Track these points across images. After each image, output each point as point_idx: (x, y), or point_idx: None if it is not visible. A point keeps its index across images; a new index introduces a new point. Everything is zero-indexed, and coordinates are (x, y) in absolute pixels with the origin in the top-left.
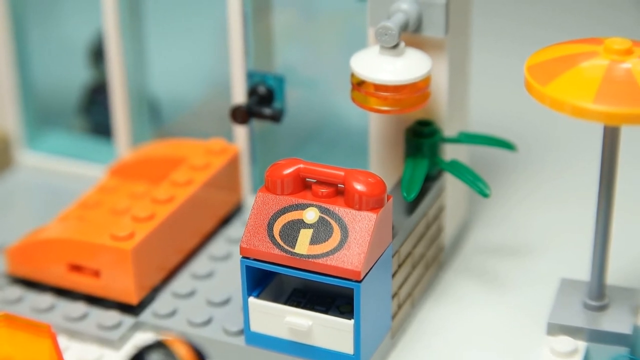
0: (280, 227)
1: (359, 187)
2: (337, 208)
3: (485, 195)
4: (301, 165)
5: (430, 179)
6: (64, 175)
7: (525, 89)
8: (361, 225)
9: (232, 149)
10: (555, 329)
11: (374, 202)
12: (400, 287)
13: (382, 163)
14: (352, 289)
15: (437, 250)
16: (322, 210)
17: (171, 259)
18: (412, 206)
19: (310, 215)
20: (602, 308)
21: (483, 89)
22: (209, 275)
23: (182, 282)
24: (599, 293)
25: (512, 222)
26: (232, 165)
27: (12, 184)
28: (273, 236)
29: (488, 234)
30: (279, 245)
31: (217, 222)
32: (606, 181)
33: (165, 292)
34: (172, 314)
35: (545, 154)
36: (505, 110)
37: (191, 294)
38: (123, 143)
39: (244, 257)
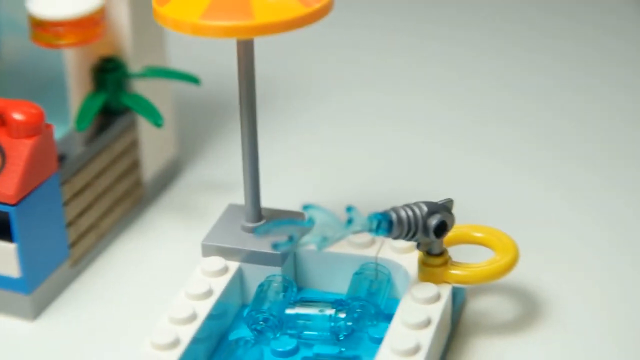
0: None
1: (16, 116)
2: None
3: (158, 125)
4: None
5: (117, 114)
6: None
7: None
8: (17, 152)
9: None
10: (210, 250)
11: (30, 130)
12: (78, 216)
13: (80, 101)
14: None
15: (133, 184)
16: None
17: None
18: (90, 139)
19: None
20: None
21: None
22: None
23: None
24: (255, 216)
25: (223, 159)
26: None
27: None
28: None
29: (199, 171)
30: None
31: None
32: (246, 100)
33: None
34: None
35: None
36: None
37: None
38: None
39: None
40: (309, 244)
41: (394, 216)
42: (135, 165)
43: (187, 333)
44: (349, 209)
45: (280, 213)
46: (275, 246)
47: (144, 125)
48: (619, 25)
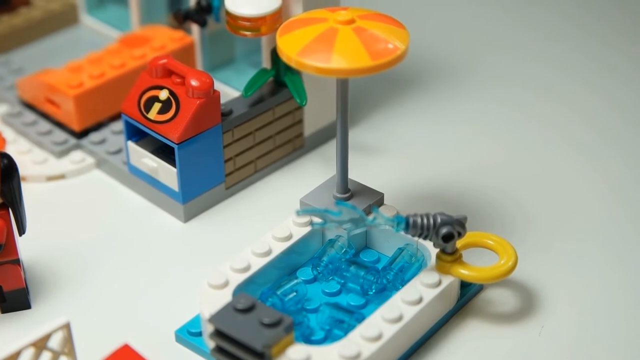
0: (145, 98)
1: (193, 82)
2: (179, 93)
3: (301, 105)
4: (165, 61)
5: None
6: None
7: None
8: (188, 107)
9: (187, 39)
10: (304, 205)
11: (201, 94)
12: (237, 155)
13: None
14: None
15: (295, 137)
16: (171, 92)
17: (110, 109)
18: (258, 102)
19: (163, 94)
20: (345, 200)
21: None
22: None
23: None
24: (342, 188)
25: (384, 127)
26: (185, 51)
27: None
28: (140, 104)
29: (356, 134)
30: (141, 110)
31: None
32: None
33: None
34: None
35: None
36: None
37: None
38: (135, 21)
39: (123, 114)
40: (341, 227)
41: (411, 220)
42: (298, 123)
43: (259, 263)
44: (375, 209)
45: (362, 188)
46: (312, 224)
47: (313, 93)
48: None
